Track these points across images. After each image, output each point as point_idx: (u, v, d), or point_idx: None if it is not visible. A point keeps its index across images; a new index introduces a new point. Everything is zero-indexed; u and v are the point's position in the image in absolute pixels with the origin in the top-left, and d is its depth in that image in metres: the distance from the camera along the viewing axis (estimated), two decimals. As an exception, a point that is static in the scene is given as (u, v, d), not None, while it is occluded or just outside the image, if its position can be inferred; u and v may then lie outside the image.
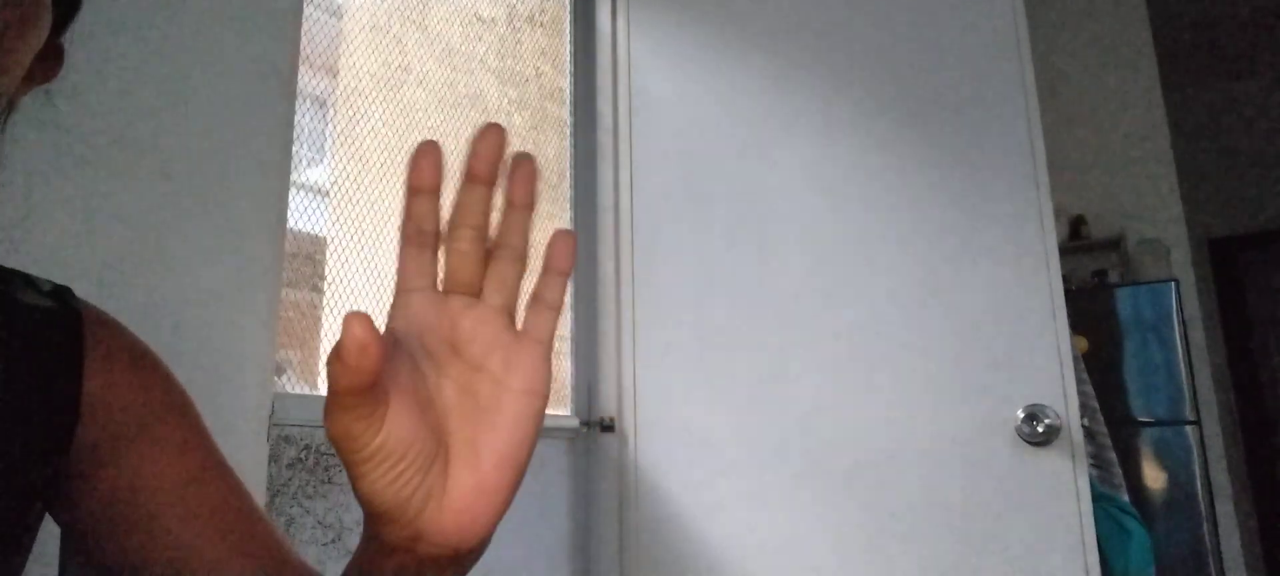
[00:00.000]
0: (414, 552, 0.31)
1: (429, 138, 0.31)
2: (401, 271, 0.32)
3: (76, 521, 0.47)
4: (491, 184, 0.32)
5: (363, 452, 0.29)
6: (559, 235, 0.34)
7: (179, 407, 0.50)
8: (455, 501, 0.30)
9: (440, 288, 0.33)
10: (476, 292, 0.33)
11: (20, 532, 0.44)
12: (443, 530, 0.30)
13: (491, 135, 0.31)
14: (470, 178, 0.32)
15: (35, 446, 0.44)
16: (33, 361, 0.45)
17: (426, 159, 0.31)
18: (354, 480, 0.30)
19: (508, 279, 0.33)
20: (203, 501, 0.48)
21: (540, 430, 0.32)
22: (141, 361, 0.50)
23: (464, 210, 0.32)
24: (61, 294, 0.49)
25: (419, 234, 0.32)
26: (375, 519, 0.31)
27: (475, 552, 0.33)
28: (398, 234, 0.32)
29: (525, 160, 0.33)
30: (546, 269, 0.34)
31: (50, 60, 0.48)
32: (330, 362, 0.27)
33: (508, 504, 0.32)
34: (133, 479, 0.46)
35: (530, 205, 0.33)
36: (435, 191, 0.31)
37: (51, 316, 0.47)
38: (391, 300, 0.33)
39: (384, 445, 0.29)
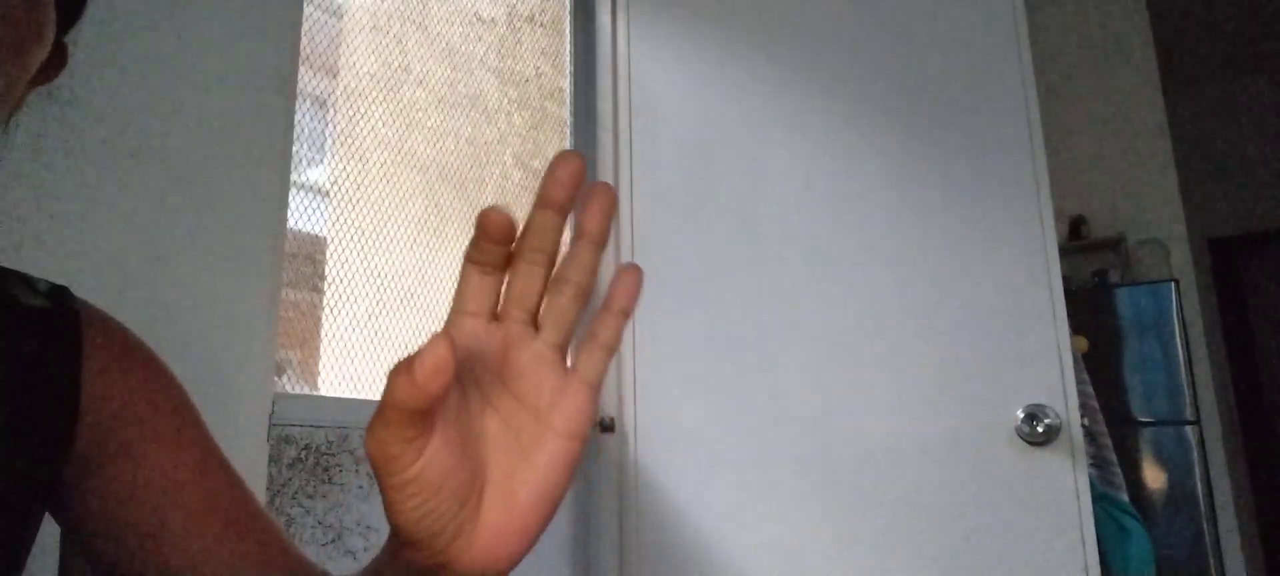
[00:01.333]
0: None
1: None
2: (461, 293, 0.31)
3: (77, 520, 0.47)
4: (566, 212, 0.31)
5: (400, 476, 0.28)
6: (626, 272, 0.32)
7: (178, 406, 0.50)
8: (486, 536, 0.30)
9: (499, 311, 0.32)
10: (534, 321, 0.32)
11: (21, 533, 0.44)
12: (471, 562, 0.30)
13: (571, 161, 0.30)
14: (544, 203, 0.30)
15: (36, 447, 0.44)
16: (32, 362, 0.45)
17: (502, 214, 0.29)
18: (387, 504, 0.29)
19: (566, 315, 0.32)
20: (203, 498, 0.48)
21: (576, 471, 0.32)
22: (140, 360, 0.50)
23: (535, 234, 0.31)
24: (59, 294, 0.49)
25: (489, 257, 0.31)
26: (404, 543, 0.31)
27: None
28: (464, 256, 0.30)
29: (603, 191, 0.31)
30: (607, 308, 0.33)
31: (53, 61, 0.48)
32: (395, 374, 0.26)
33: (536, 540, 0.31)
34: (133, 477, 0.47)
35: (602, 240, 0.31)
36: (510, 233, 0.30)
37: (50, 317, 0.47)
38: (446, 321, 0.31)
39: (422, 473, 0.28)
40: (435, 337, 0.26)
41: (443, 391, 0.26)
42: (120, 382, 0.48)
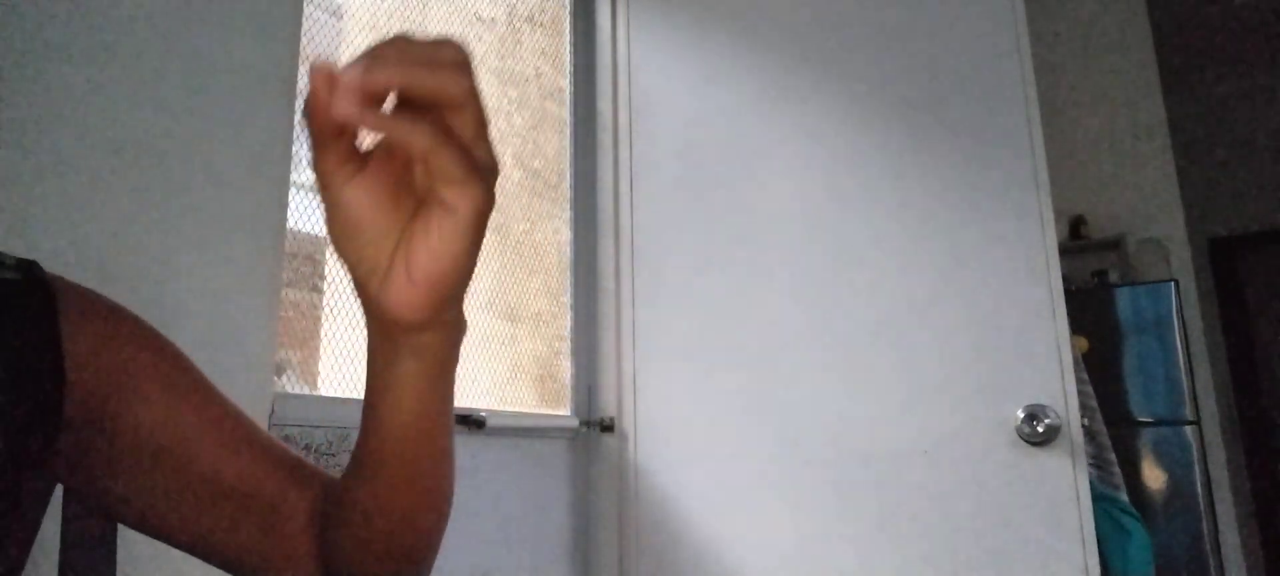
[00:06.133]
0: (378, 318, 0.37)
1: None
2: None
3: (88, 479, 0.48)
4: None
5: (334, 195, 0.33)
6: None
7: (164, 353, 0.51)
8: (393, 291, 0.35)
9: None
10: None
11: (14, 504, 0.44)
12: (386, 308, 0.35)
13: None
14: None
15: (20, 418, 0.44)
16: (8, 335, 0.45)
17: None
18: (331, 235, 0.35)
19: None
20: (207, 427, 0.49)
21: (478, 244, 0.35)
22: (118, 318, 0.50)
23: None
24: (27, 266, 0.49)
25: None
26: (354, 285, 0.37)
27: (423, 328, 0.37)
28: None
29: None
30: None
31: None
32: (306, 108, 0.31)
33: (440, 300, 0.35)
34: (135, 425, 0.47)
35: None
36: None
37: (20, 288, 0.47)
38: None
39: (351, 199, 0.33)
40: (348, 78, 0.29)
41: (338, 123, 0.31)
42: (101, 341, 0.48)
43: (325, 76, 0.30)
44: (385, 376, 0.40)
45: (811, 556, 1.52)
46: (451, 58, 0.31)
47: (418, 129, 0.31)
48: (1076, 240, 3.30)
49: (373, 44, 0.31)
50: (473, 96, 0.32)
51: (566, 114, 1.98)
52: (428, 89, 0.31)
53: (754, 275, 1.67)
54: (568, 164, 1.96)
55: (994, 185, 1.49)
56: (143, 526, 0.50)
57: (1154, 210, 3.29)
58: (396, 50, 0.30)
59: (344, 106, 0.29)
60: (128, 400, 0.48)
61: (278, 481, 0.50)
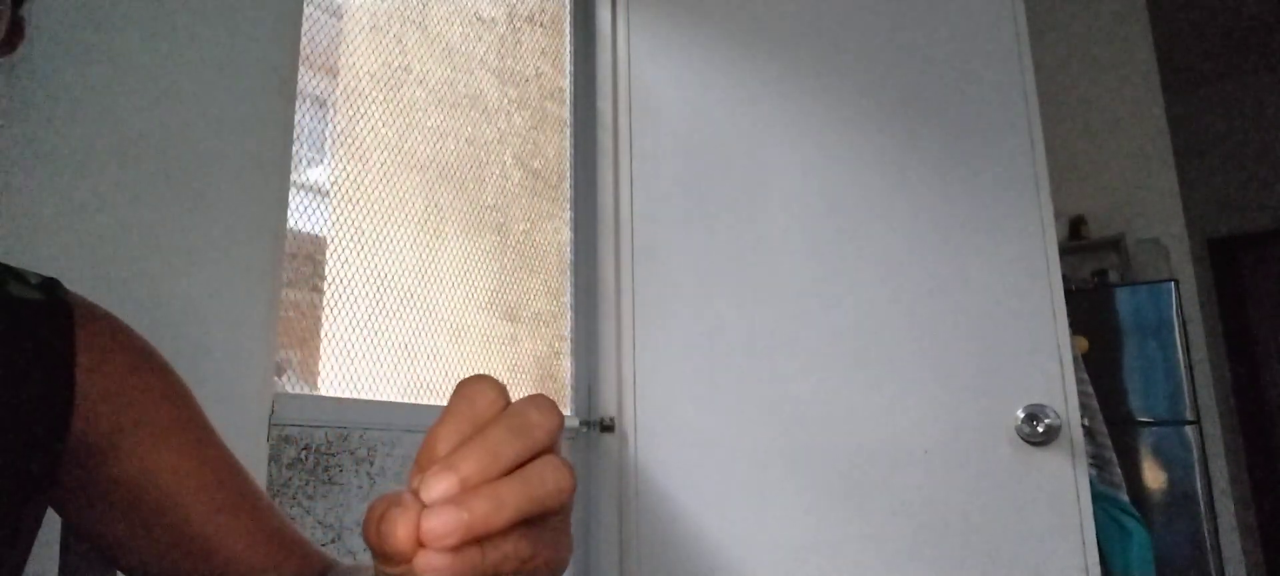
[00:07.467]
0: None
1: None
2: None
3: (82, 511, 0.48)
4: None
5: (395, 569, 0.28)
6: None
7: (175, 395, 0.51)
8: None
9: None
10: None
11: (14, 525, 0.44)
12: None
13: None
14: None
15: (28, 439, 0.44)
16: (23, 355, 0.45)
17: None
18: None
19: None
20: (207, 484, 0.49)
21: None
22: (134, 352, 0.50)
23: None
24: (50, 286, 0.49)
25: None
26: None
27: None
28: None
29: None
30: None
31: (12, 34, 0.49)
32: (394, 528, 0.25)
33: None
34: (136, 466, 0.47)
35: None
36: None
37: (41, 309, 0.47)
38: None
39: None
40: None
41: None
42: (115, 374, 0.48)
43: (404, 522, 0.24)
44: None
45: (811, 556, 1.52)
46: (546, 437, 0.27)
47: (514, 552, 0.27)
48: (1076, 240, 3.30)
49: (446, 429, 0.26)
50: (572, 494, 0.28)
51: (566, 114, 1.98)
52: (534, 512, 0.26)
53: (754, 275, 1.67)
54: (568, 164, 1.96)
55: (994, 185, 1.49)
56: (129, 570, 0.50)
57: (1154, 210, 3.29)
58: (481, 456, 0.25)
59: (436, 567, 0.24)
60: (132, 443, 0.47)
61: (267, 552, 0.50)
